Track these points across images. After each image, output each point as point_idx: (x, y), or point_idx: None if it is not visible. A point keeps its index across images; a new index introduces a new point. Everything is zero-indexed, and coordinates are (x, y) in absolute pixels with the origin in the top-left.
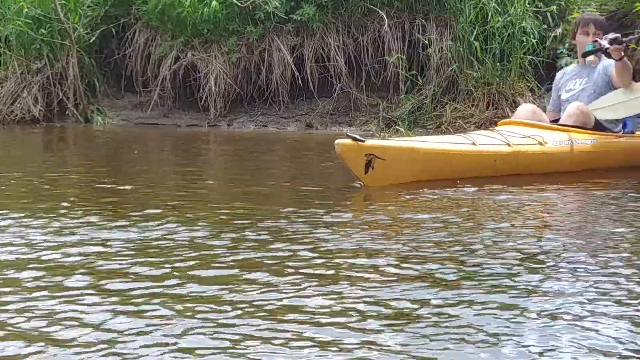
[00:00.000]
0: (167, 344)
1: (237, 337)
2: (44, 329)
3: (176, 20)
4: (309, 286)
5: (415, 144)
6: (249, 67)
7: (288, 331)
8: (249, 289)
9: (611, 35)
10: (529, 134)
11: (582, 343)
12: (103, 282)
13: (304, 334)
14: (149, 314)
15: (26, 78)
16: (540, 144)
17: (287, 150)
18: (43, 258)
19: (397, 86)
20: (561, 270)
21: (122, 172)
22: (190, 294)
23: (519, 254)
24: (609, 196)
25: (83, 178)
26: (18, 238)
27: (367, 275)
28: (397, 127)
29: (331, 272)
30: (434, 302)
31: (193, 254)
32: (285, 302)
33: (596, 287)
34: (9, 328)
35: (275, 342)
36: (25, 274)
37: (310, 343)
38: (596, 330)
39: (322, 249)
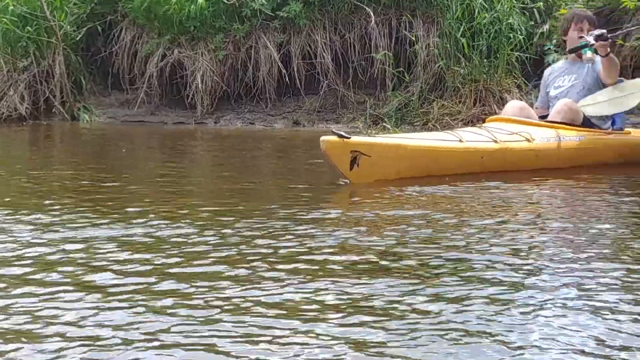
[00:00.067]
0: (149, 340)
1: (220, 333)
2: (24, 325)
3: (162, 18)
4: (292, 282)
5: (401, 141)
6: (236, 64)
7: (271, 327)
8: (232, 286)
9: (597, 32)
10: (516, 130)
11: (564, 339)
12: (86, 278)
13: (287, 330)
14: (131, 310)
15: (12, 76)
16: (528, 140)
17: (274, 147)
18: (26, 255)
19: (384, 83)
20: (545, 266)
21: (108, 169)
22: (173, 290)
23: (504, 249)
24: (596, 193)
25: (69, 175)
26: (1, 235)
27: (350, 271)
28: (384, 124)
29: (315, 267)
30: (417, 297)
31: (177, 251)
32: (268, 298)
33: (579, 283)
34: None
35: (258, 337)
36: (6, 271)
37: (293, 339)
38: (578, 326)
39: (306, 245)
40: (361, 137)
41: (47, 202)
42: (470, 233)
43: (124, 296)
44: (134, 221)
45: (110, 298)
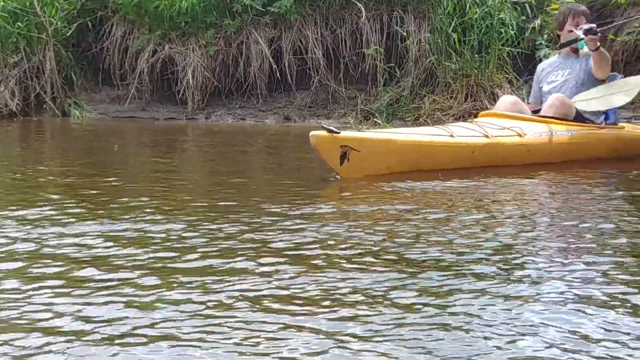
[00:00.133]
0: (135, 335)
1: (207, 327)
2: (9, 320)
3: (153, 14)
4: (281, 277)
5: (391, 136)
6: (227, 60)
7: (259, 321)
8: (220, 281)
9: (586, 26)
10: (508, 125)
11: (548, 332)
12: (74, 273)
13: (275, 324)
14: (119, 304)
15: (3, 72)
16: (519, 135)
17: (264, 143)
18: (14, 250)
19: (376, 78)
20: (533, 260)
21: (99, 165)
22: (161, 285)
23: (493, 244)
24: (587, 188)
25: (59, 171)
26: None
27: (339, 266)
28: (375, 119)
29: (304, 262)
30: (404, 291)
31: (166, 246)
32: (256, 292)
33: (567, 277)
34: None
35: (245, 331)
36: None
37: (281, 333)
38: (563, 319)
39: (295, 240)
40: (351, 132)
41: (36, 197)
42: (459, 228)
43: (112, 291)
44: (124, 217)
45: (98, 293)
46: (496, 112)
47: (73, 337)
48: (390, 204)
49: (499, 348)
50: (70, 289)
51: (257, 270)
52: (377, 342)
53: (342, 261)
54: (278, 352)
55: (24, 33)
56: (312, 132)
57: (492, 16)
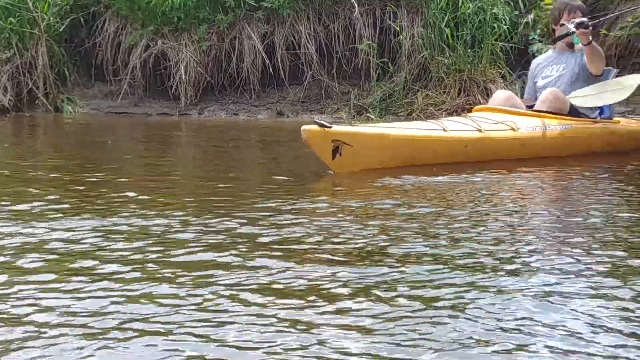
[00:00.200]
0: (128, 329)
1: (199, 321)
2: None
3: (146, 9)
4: (273, 271)
5: (383, 130)
6: (220, 55)
7: (249, 315)
8: (212, 275)
9: (577, 19)
10: (501, 120)
11: (539, 324)
12: (65, 266)
13: (267, 315)
14: (110, 297)
15: None
16: (513, 129)
17: (258, 138)
18: (7, 245)
19: (369, 73)
20: (527, 253)
21: (92, 161)
22: (152, 279)
23: (486, 238)
24: (580, 182)
25: (51, 166)
26: None
27: (331, 259)
28: (368, 114)
29: (295, 256)
30: (397, 283)
31: (158, 240)
32: (246, 286)
33: (558, 270)
34: None
35: (236, 325)
36: None
37: (272, 327)
38: (554, 311)
39: (286, 235)
40: (342, 127)
41: (27, 192)
42: (451, 222)
43: (101, 285)
44: (115, 211)
45: (86, 287)
46: (490, 106)
47: (60, 331)
48: (383, 199)
49: (487, 341)
50: (59, 284)
51: (247, 265)
52: (366, 335)
53: (332, 255)
54: (268, 346)
55: (16, 29)
56: (304, 127)
57: (485, 11)
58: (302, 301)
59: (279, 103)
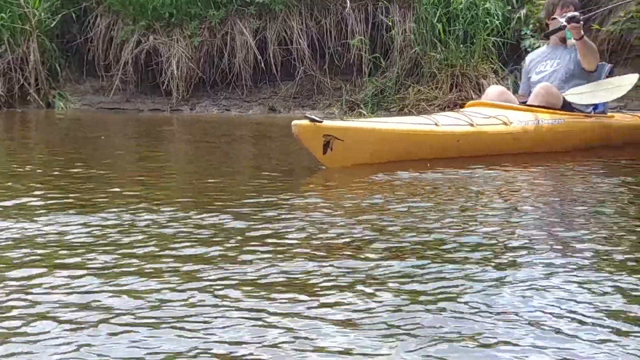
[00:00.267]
0: (116, 324)
1: (189, 315)
2: None
3: (137, 4)
4: (264, 265)
5: (375, 125)
6: (212, 50)
7: (239, 309)
8: (202, 270)
9: (569, 14)
10: (494, 114)
11: (543, 330)
12: (55, 260)
13: (254, 309)
14: (98, 290)
15: None
16: (505, 124)
17: (250, 133)
18: None
19: (361, 69)
20: (518, 249)
21: (83, 156)
22: (142, 272)
23: (477, 233)
24: (574, 176)
25: (42, 162)
26: None
27: (322, 253)
28: (360, 110)
29: (286, 250)
30: (387, 277)
31: (149, 234)
32: (238, 280)
33: (549, 263)
34: None
35: (230, 318)
36: None
37: (263, 321)
38: (547, 304)
39: (278, 229)
40: (333, 121)
41: (18, 188)
42: (443, 217)
43: (91, 279)
44: (107, 206)
45: (78, 280)
46: (483, 101)
47: (45, 325)
48: (374, 194)
49: (471, 336)
50: (47, 278)
51: (237, 259)
52: (354, 328)
53: (322, 250)
54: (257, 340)
55: (8, 24)
56: (295, 122)
57: (477, 6)
58: (291, 295)
59: (271, 98)
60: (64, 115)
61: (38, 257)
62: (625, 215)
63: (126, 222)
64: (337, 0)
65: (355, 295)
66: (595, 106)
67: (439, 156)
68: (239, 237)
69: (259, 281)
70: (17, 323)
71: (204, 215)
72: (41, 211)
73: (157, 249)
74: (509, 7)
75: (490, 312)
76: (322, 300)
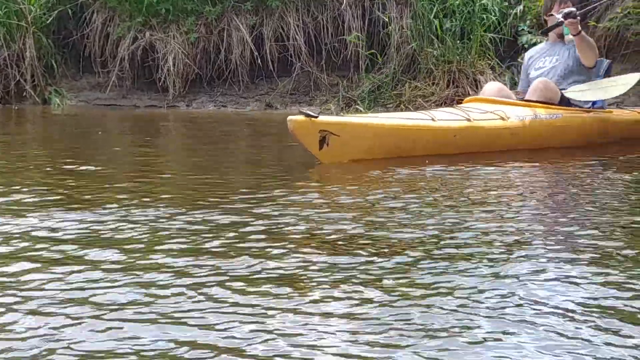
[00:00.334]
0: (109, 319)
1: (182, 310)
2: None
3: (134, 0)
4: (257, 259)
5: (371, 120)
6: (208, 47)
7: (234, 303)
8: (196, 265)
9: (566, 9)
10: (491, 109)
11: (538, 328)
12: (49, 254)
13: (249, 304)
14: (92, 284)
15: None
16: (502, 118)
17: (246, 129)
18: None
19: (358, 65)
20: (513, 245)
21: (79, 152)
22: (136, 266)
23: (474, 228)
24: (571, 171)
25: (38, 159)
26: None
27: (316, 248)
28: (356, 106)
29: (280, 247)
30: (380, 273)
31: (143, 230)
32: (230, 274)
33: (545, 258)
34: None
35: (223, 312)
36: None
37: (257, 314)
38: (546, 298)
39: (272, 224)
40: (329, 117)
41: (13, 183)
42: (440, 213)
43: (84, 273)
44: (103, 202)
45: (71, 275)
46: (480, 97)
47: (38, 319)
48: (371, 190)
49: (469, 329)
50: (41, 273)
51: (231, 254)
52: (346, 323)
53: (318, 245)
54: (251, 332)
55: (4, 20)
56: (290, 117)
57: (474, 2)
58: (285, 290)
59: (267, 95)
60: (60, 112)
61: (30, 253)
62: (622, 211)
63: (121, 218)
64: None
65: (350, 290)
66: (594, 102)
67: (436, 152)
68: (233, 233)
69: (253, 276)
70: (8, 319)
71: (199, 211)
72: (36, 207)
73: (151, 245)
74: (506, 3)
75: (484, 308)
76: (316, 295)
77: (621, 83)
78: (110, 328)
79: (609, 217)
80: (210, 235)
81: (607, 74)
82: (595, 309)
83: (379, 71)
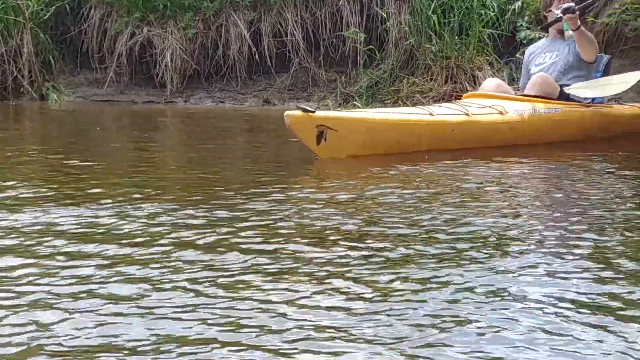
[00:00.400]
0: (103, 315)
1: (178, 306)
2: None
3: None
4: (254, 255)
5: (369, 115)
6: (206, 42)
7: (230, 297)
8: (193, 262)
9: (564, 5)
10: (489, 104)
11: (530, 323)
12: (46, 250)
13: (244, 298)
14: (89, 279)
15: None
16: (501, 113)
17: (244, 125)
18: None
19: (356, 61)
20: (515, 241)
21: (76, 148)
22: (133, 261)
23: (474, 224)
24: (571, 167)
25: (35, 155)
26: None
27: (314, 244)
28: (354, 102)
29: (276, 242)
30: (376, 266)
31: (140, 225)
32: (228, 268)
33: (546, 254)
34: None
35: (220, 306)
36: None
37: (253, 308)
38: (542, 308)
39: (269, 221)
40: (326, 111)
41: (10, 179)
42: (438, 209)
43: (80, 270)
44: (100, 197)
45: (68, 271)
46: (479, 92)
47: (33, 314)
48: (369, 185)
49: (467, 322)
50: (36, 267)
51: (229, 248)
52: (344, 316)
53: (316, 240)
54: (247, 327)
55: (1, 16)
56: (287, 112)
57: None
58: (283, 285)
59: (265, 91)
60: (58, 108)
61: (25, 248)
62: (618, 207)
63: (118, 213)
64: None
65: (344, 285)
66: (593, 97)
67: (434, 146)
68: (229, 228)
69: (247, 272)
70: (0, 314)
71: (196, 206)
72: (32, 202)
73: (148, 239)
74: None
75: (477, 302)
76: (311, 290)
77: (621, 81)
78: (103, 323)
79: (605, 213)
80: (206, 230)
81: (607, 69)
82: (586, 305)
83: (377, 67)
